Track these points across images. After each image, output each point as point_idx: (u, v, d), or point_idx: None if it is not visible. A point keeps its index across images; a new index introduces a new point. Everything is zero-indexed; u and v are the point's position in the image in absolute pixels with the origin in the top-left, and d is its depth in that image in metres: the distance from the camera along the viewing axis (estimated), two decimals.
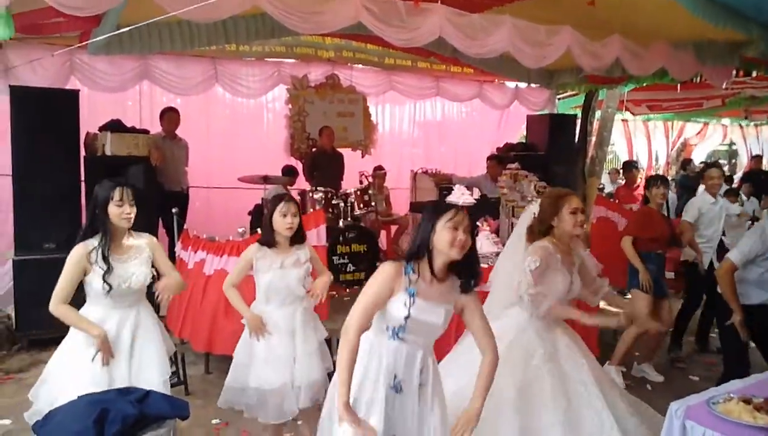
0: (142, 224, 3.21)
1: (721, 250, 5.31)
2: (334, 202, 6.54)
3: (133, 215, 2.95)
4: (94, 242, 2.90)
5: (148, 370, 2.99)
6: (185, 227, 5.50)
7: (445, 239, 2.36)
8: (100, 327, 2.87)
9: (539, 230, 3.23)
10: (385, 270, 2.41)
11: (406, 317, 2.35)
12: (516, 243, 3.47)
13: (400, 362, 2.41)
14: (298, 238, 3.41)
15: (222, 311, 4.50)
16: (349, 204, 6.56)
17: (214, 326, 4.59)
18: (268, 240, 3.35)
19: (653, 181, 5.08)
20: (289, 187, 7.02)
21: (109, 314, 2.94)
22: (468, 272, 2.47)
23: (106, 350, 2.86)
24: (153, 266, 3.08)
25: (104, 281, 2.85)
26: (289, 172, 7.37)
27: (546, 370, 3.04)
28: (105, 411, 2.31)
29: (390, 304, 2.38)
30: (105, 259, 2.87)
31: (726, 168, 14.19)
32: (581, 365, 3.12)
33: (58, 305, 2.86)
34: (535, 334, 3.15)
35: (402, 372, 2.41)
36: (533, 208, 3.38)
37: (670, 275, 7.55)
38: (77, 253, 2.88)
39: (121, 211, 2.90)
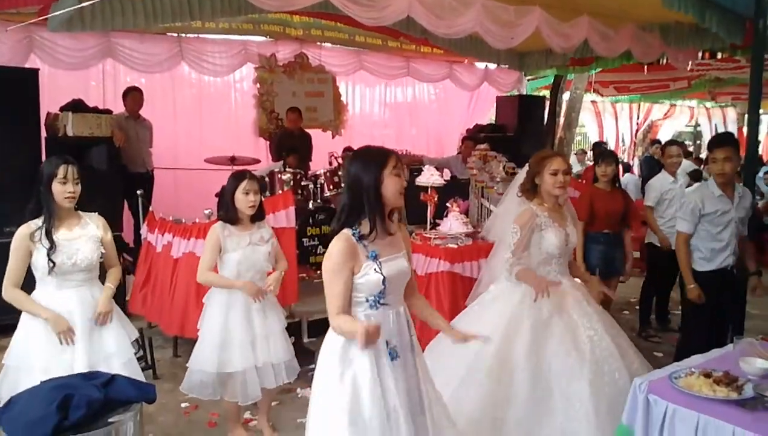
0: (107, 206, 3.15)
1: None
2: (303, 183, 6.47)
3: (77, 195, 2.85)
4: (38, 221, 2.84)
5: (108, 352, 2.93)
6: (150, 209, 5.39)
7: (394, 189, 2.22)
8: (50, 310, 2.81)
9: (527, 188, 3.36)
10: (337, 248, 2.20)
11: (384, 280, 2.20)
12: (510, 203, 3.61)
13: (392, 327, 2.27)
14: (258, 215, 3.42)
15: (193, 295, 4.43)
16: (318, 185, 6.49)
17: (186, 310, 4.52)
18: (231, 217, 3.33)
19: (598, 158, 4.92)
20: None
21: (57, 295, 2.86)
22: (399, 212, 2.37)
23: (64, 330, 2.81)
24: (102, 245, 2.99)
25: (48, 258, 2.78)
26: None
27: (555, 321, 3.16)
28: (69, 396, 2.26)
29: (359, 278, 2.22)
30: (49, 236, 2.80)
31: (691, 149, 14.46)
32: (590, 314, 3.25)
33: (8, 289, 2.82)
34: None
35: (396, 337, 2.26)
36: (526, 169, 3.49)
37: (636, 253, 7.68)
38: (20, 234, 2.82)
39: (64, 189, 2.81)
